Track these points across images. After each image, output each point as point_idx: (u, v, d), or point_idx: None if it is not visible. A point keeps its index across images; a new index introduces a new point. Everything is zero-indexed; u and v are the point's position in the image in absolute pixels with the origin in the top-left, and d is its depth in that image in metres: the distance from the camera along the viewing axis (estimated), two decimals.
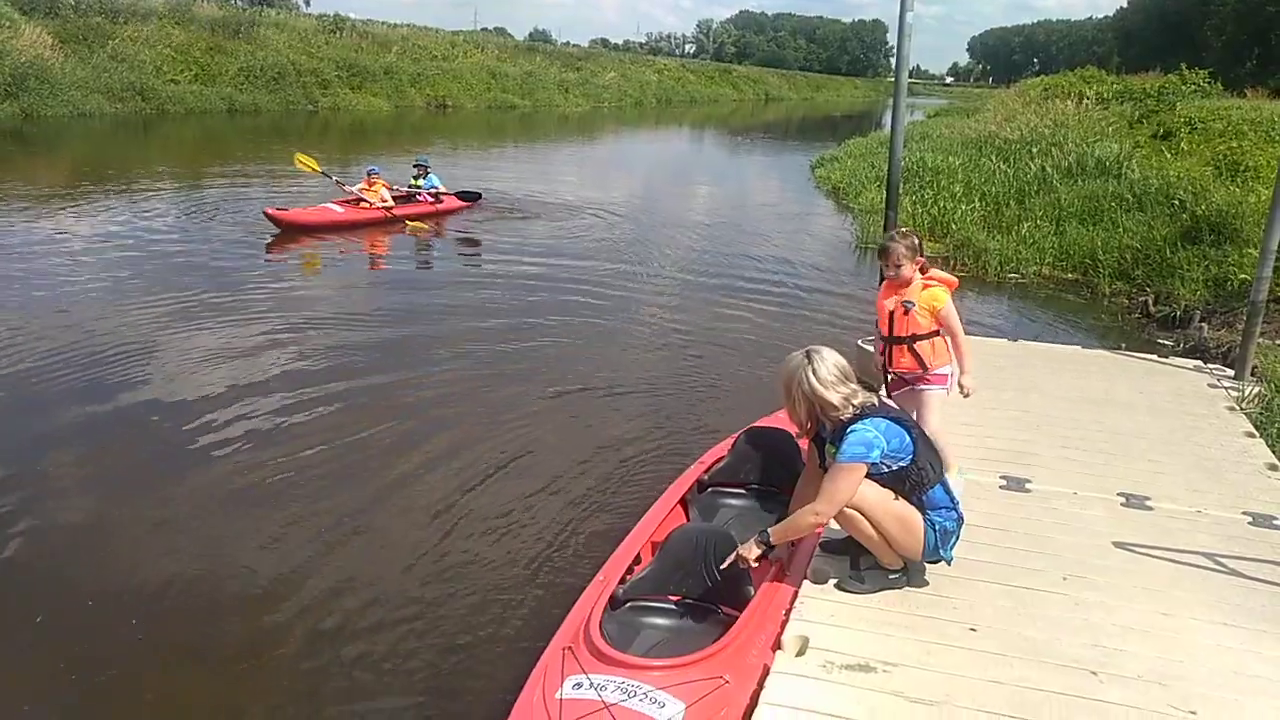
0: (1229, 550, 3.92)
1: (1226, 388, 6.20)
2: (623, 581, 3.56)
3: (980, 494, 4.40)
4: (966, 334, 4.41)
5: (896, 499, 3.39)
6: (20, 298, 8.77)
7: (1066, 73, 34.16)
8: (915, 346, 4.24)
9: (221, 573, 4.39)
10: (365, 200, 13.16)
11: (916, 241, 4.23)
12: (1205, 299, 9.54)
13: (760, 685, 3.00)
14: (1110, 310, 10.24)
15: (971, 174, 15.55)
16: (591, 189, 19.20)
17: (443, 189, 14.59)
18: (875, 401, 3.40)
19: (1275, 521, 4.23)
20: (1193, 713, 2.90)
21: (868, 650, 3.18)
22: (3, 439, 5.76)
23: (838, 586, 3.57)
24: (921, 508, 3.43)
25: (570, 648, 3.13)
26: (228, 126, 29.07)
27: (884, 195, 8.01)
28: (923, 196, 14.28)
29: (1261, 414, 5.82)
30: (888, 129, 12.24)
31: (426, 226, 13.37)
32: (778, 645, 3.18)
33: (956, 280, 4.44)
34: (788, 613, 3.41)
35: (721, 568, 3.49)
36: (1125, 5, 77.90)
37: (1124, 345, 7.96)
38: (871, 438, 3.30)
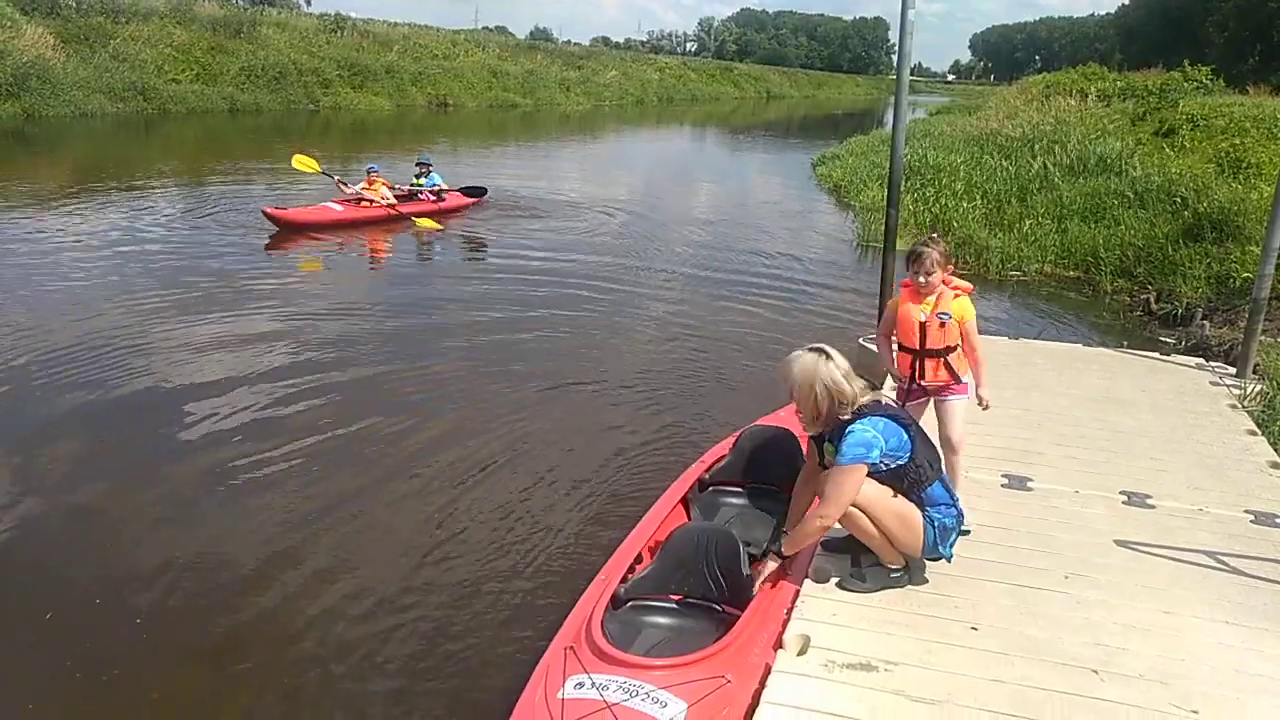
0: (1231, 548, 3.93)
1: (1228, 385, 6.20)
2: (624, 581, 3.57)
3: (982, 492, 4.40)
4: None
5: (895, 496, 3.41)
6: (21, 296, 8.77)
7: (1068, 70, 34.08)
8: (949, 359, 4.14)
9: (224, 572, 4.39)
10: (366, 199, 13.13)
11: (946, 249, 4.16)
12: (1207, 296, 9.53)
13: (762, 684, 3.01)
14: (1112, 308, 10.23)
15: (973, 171, 15.53)
16: (594, 187, 19.20)
17: (445, 186, 14.56)
18: (870, 400, 3.41)
19: (1277, 520, 4.23)
20: (1194, 711, 2.90)
21: (869, 649, 3.18)
22: (5, 434, 5.77)
23: (839, 585, 3.58)
24: (920, 505, 3.44)
25: (572, 647, 3.13)
26: (229, 126, 29.09)
27: (885, 193, 8.01)
28: (924, 194, 14.25)
29: (1263, 412, 5.80)
30: (889, 127, 12.23)
31: (439, 225, 13.13)
32: (779, 644, 3.19)
33: (972, 286, 4.40)
34: (789, 612, 3.41)
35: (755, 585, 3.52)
36: (1127, 2, 77.76)
37: (1126, 343, 7.95)
38: (870, 437, 3.31)
